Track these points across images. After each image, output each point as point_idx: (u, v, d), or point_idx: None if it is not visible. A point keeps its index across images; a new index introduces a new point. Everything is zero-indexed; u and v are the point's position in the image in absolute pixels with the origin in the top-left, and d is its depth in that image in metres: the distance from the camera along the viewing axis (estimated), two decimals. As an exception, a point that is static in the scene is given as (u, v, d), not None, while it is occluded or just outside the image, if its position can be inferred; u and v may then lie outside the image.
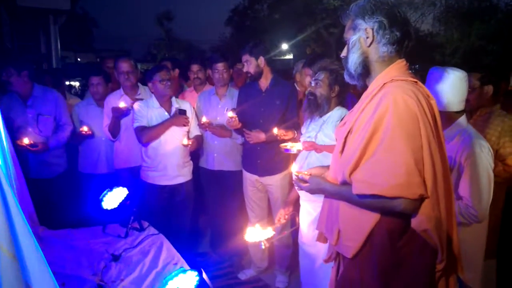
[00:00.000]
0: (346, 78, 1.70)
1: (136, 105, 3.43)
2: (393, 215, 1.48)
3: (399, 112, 1.42)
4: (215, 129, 3.59)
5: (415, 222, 1.46)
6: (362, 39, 1.59)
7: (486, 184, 2.13)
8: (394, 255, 1.50)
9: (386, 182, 1.40)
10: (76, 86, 18.50)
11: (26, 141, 3.32)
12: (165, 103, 3.44)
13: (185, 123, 3.36)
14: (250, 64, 3.30)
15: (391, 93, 1.47)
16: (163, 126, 3.36)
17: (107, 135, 3.72)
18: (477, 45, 14.44)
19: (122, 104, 3.49)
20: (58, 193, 3.62)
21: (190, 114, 3.56)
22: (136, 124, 3.40)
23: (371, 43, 1.58)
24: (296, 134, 3.16)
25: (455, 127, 2.23)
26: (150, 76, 3.37)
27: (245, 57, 3.31)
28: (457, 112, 2.24)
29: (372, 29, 1.56)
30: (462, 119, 2.26)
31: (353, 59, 1.62)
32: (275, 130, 3.08)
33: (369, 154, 1.47)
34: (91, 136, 3.75)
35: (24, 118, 3.58)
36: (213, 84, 3.86)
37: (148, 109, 3.41)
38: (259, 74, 3.34)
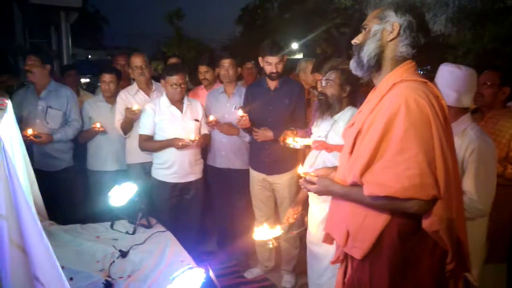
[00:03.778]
0: (353, 66, 1.66)
1: (147, 106, 3.44)
2: (404, 216, 1.47)
3: (411, 113, 1.41)
4: (222, 127, 3.59)
5: (427, 223, 1.44)
6: (386, 32, 1.56)
7: (491, 179, 2.15)
8: (404, 256, 1.49)
9: (399, 183, 1.39)
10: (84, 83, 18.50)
11: (30, 131, 3.34)
12: (177, 101, 3.45)
13: (183, 147, 3.33)
14: (281, 64, 3.28)
15: (402, 94, 1.46)
16: (164, 145, 3.39)
17: (119, 131, 3.73)
18: (490, 47, 14.24)
19: (135, 107, 3.48)
20: (60, 188, 3.63)
21: (200, 113, 3.57)
22: (141, 132, 3.45)
23: (393, 39, 1.55)
24: (295, 132, 3.12)
25: (461, 123, 2.24)
26: (164, 75, 3.41)
27: (279, 57, 3.25)
28: (464, 109, 2.26)
29: (400, 26, 1.53)
30: (468, 116, 2.28)
31: (369, 49, 1.58)
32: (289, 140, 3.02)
33: (380, 155, 1.46)
34: (102, 133, 3.77)
35: (34, 110, 3.63)
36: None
37: (158, 110, 3.41)
38: (282, 73, 3.34)
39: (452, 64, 2.29)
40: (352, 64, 1.66)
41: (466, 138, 2.17)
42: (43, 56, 3.68)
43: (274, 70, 3.28)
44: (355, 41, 1.65)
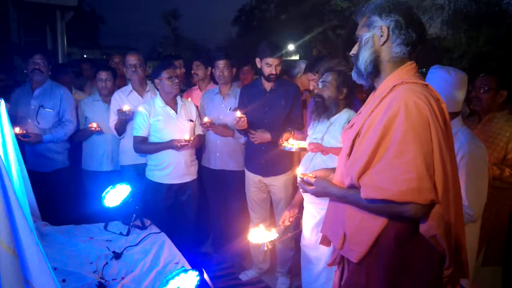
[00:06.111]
0: (354, 76, 1.67)
1: (141, 108, 3.40)
2: (401, 220, 1.45)
3: (411, 116, 1.39)
4: (217, 128, 3.57)
5: (425, 228, 1.43)
6: (376, 37, 1.56)
7: (482, 183, 2.14)
8: (401, 260, 1.47)
9: (396, 187, 1.37)
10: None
11: (17, 130, 3.29)
12: (171, 101, 3.42)
13: (182, 147, 3.29)
14: (280, 65, 3.28)
15: (401, 96, 1.44)
16: (161, 147, 3.34)
17: (113, 132, 3.70)
18: (485, 50, 14.36)
19: (126, 107, 3.43)
20: (52, 189, 3.60)
21: (194, 113, 3.55)
22: (135, 133, 3.40)
23: (385, 42, 1.55)
24: (292, 133, 3.11)
25: (452, 127, 2.21)
26: (157, 73, 3.35)
27: (280, 60, 3.26)
28: (455, 112, 2.25)
29: (388, 28, 1.53)
30: (459, 119, 2.28)
31: (364, 57, 1.59)
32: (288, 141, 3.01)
33: (379, 158, 1.44)
34: (98, 133, 3.74)
35: (27, 109, 3.62)
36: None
37: (153, 110, 3.38)
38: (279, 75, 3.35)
39: (442, 67, 2.27)
40: (354, 75, 1.67)
41: (456, 143, 2.15)
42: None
43: (273, 72, 3.27)
44: (352, 52, 1.67)
